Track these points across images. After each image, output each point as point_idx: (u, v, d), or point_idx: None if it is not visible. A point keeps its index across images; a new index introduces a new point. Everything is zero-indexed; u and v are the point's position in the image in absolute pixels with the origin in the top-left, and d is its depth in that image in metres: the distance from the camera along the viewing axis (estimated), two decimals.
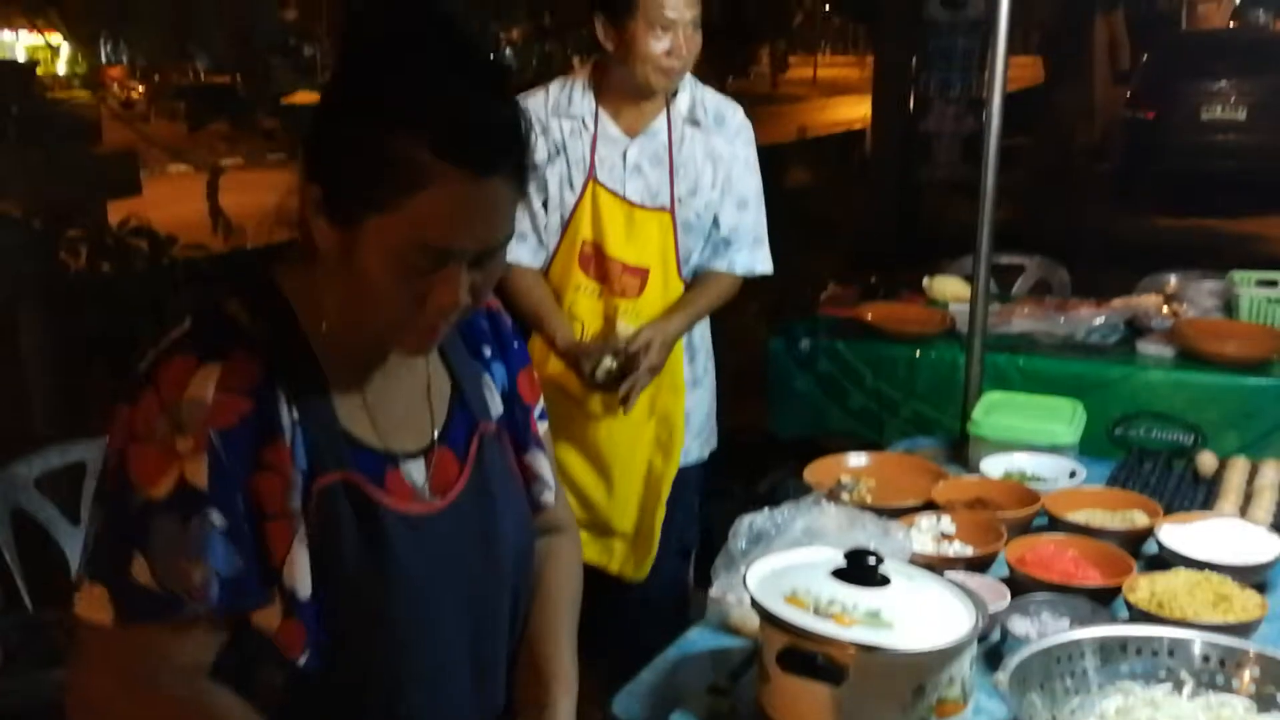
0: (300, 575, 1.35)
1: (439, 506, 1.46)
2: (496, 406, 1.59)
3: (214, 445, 1.30)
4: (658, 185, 2.86)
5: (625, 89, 2.81)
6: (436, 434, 1.50)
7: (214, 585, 1.31)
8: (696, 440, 3.08)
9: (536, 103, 2.82)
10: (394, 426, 1.46)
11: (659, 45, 2.71)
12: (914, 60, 10.34)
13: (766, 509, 2.04)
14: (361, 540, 1.38)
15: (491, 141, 1.28)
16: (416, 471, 1.46)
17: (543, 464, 1.67)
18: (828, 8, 17.46)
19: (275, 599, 1.35)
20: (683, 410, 2.99)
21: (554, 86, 2.89)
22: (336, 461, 1.38)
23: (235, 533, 1.32)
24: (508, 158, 1.30)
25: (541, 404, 1.70)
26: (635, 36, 2.71)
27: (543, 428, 1.69)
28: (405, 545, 1.40)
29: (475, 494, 1.50)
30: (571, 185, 2.84)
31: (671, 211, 2.86)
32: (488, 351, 1.61)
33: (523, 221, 2.82)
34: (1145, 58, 13.74)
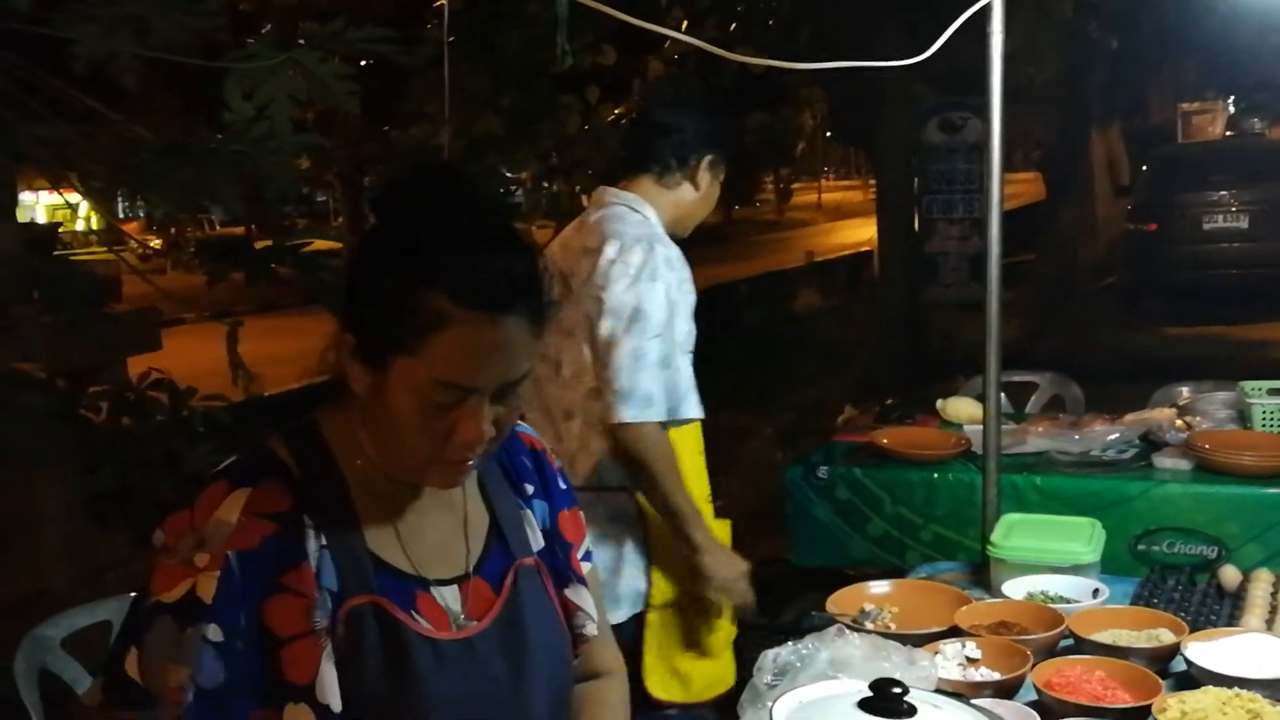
0: (331, 691, 1.42)
1: (468, 634, 1.51)
2: (537, 542, 1.65)
3: (230, 565, 1.40)
4: None
5: None
6: (471, 565, 1.56)
7: (189, 693, 1.39)
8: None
9: None
10: (427, 556, 1.53)
11: None
12: (915, 183, 10.54)
13: (790, 641, 2.03)
14: (386, 662, 1.44)
15: (504, 285, 1.39)
16: (451, 597, 1.52)
17: (585, 598, 1.70)
18: (828, 135, 17.83)
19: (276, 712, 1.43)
20: None
21: None
22: (365, 586, 1.45)
23: (228, 649, 1.40)
24: (522, 299, 1.40)
25: (586, 544, 1.75)
26: None
27: (586, 567, 1.74)
28: (430, 670, 1.46)
29: (506, 625, 1.55)
30: None
31: None
32: (530, 488, 1.68)
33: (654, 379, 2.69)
34: (1144, 170, 13.96)
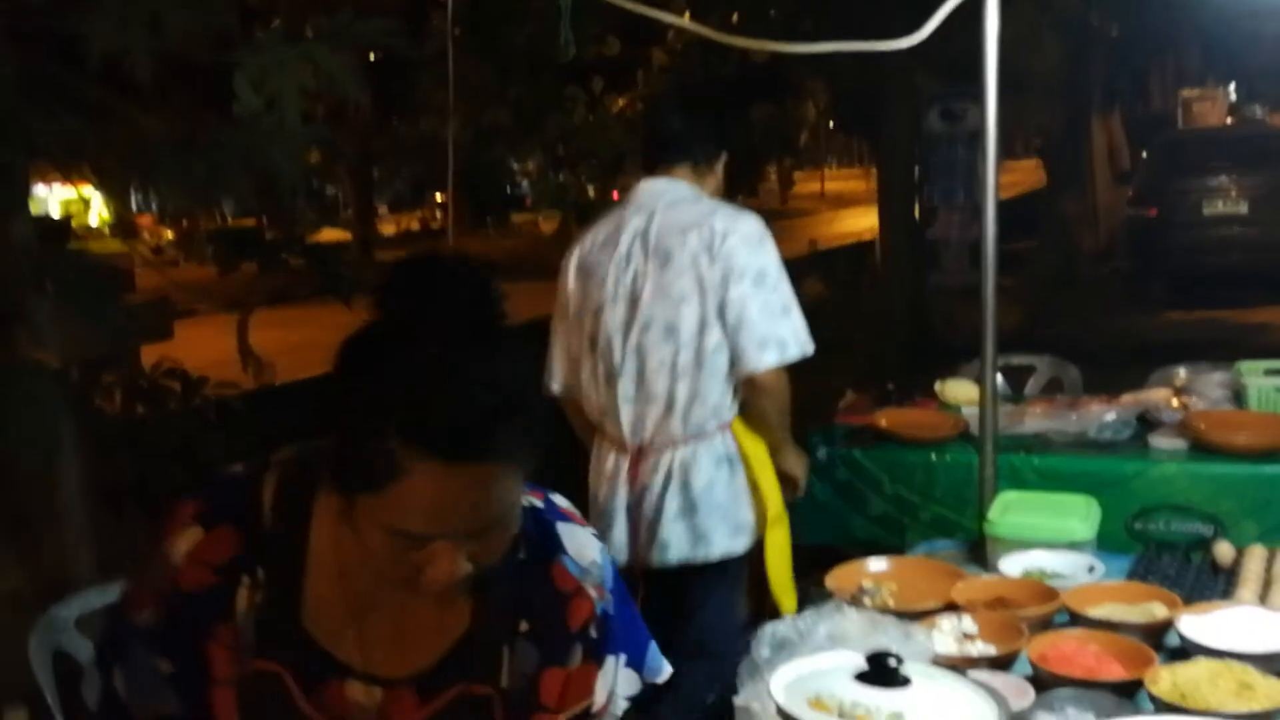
0: None
1: None
2: (506, 679, 1.50)
3: (171, 604, 1.40)
4: None
5: None
6: (409, 672, 1.47)
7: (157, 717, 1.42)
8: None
9: None
10: (366, 643, 1.46)
11: None
12: (917, 171, 10.56)
13: (788, 617, 2.08)
14: None
15: (471, 432, 1.26)
16: (369, 695, 1.45)
17: None
18: (831, 125, 17.85)
19: None
20: None
21: None
22: (276, 655, 1.42)
23: (181, 681, 1.41)
24: (493, 443, 1.27)
25: (580, 710, 1.56)
26: None
27: None
28: None
29: None
30: None
31: None
32: (524, 626, 1.51)
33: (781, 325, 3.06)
34: (1145, 157, 13.96)
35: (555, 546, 1.53)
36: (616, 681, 1.61)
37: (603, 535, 3.09)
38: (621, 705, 1.63)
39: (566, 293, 3.27)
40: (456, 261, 1.36)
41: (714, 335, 3.08)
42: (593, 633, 1.54)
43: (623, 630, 1.60)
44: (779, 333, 3.07)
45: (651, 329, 3.11)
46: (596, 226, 3.30)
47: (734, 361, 3.08)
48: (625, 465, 3.17)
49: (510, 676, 1.49)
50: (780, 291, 3.09)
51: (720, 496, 3.13)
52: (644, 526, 3.15)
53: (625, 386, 3.14)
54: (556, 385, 3.33)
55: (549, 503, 1.57)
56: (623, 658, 1.61)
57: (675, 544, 3.12)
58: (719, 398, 3.13)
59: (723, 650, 2.90)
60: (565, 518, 1.57)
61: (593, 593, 1.54)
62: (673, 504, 3.12)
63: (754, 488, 3.20)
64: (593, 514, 3.24)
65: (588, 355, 3.22)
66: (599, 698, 1.57)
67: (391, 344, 1.29)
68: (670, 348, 3.09)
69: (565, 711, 1.54)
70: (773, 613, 3.12)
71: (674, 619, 3.11)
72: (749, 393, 3.14)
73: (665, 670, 1.69)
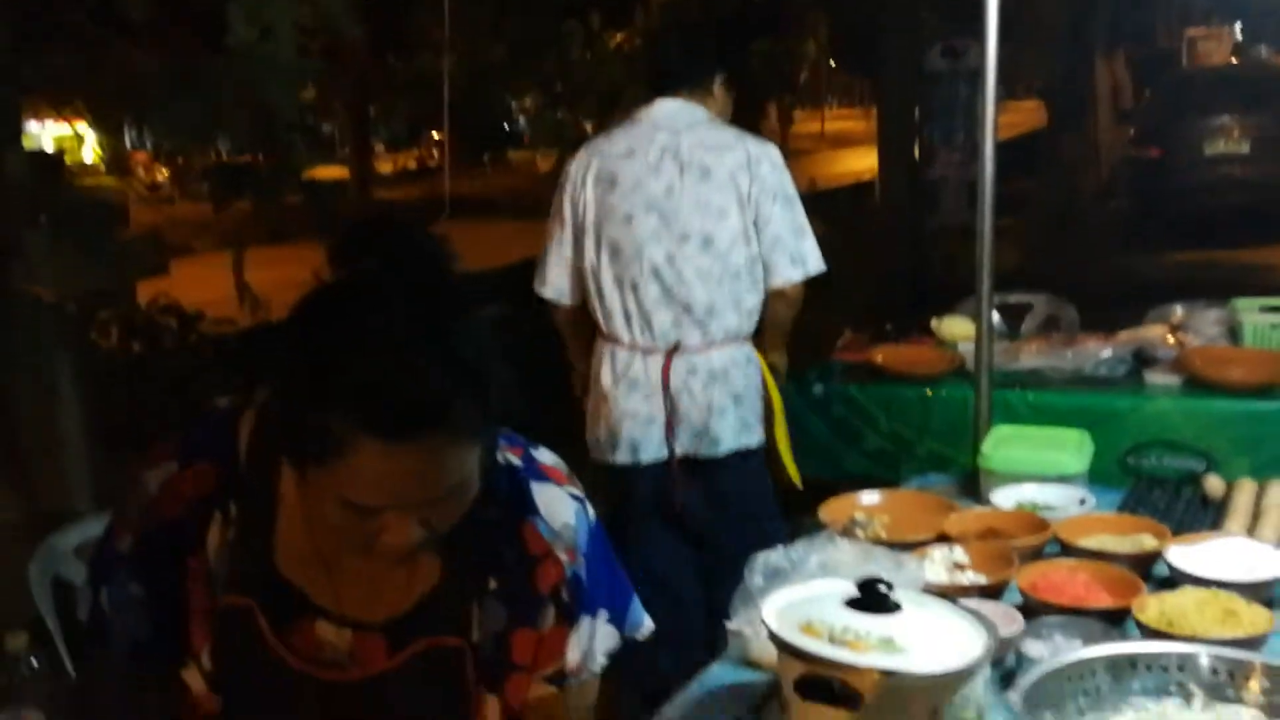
0: (207, 665, 1.47)
1: (336, 677, 1.47)
2: (476, 634, 1.50)
3: (146, 533, 1.44)
4: None
5: None
6: (380, 618, 1.47)
7: (129, 639, 1.47)
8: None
9: None
10: (336, 587, 1.46)
11: None
12: (917, 110, 10.48)
13: (781, 546, 2.10)
14: (247, 667, 1.45)
15: (412, 409, 1.23)
16: (339, 636, 1.47)
17: (493, 710, 1.54)
18: (833, 64, 17.72)
19: (187, 667, 1.47)
20: None
21: None
22: (249, 590, 1.44)
23: (155, 609, 1.45)
24: (437, 420, 1.24)
25: (554, 670, 1.58)
26: None
27: (545, 690, 1.58)
28: (280, 691, 1.45)
29: (379, 691, 1.47)
30: None
31: None
32: (492, 584, 1.51)
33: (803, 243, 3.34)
34: (1148, 96, 13.85)
35: (527, 507, 1.52)
36: (594, 640, 1.60)
37: (636, 435, 3.27)
38: (600, 662, 1.63)
39: (579, 200, 3.30)
40: (403, 229, 1.33)
41: (753, 248, 3.30)
42: (564, 595, 1.54)
43: (602, 587, 1.60)
44: (803, 250, 3.35)
45: (690, 240, 3.25)
46: (610, 138, 3.38)
47: (766, 274, 3.33)
48: (655, 368, 3.26)
49: (481, 632, 1.50)
50: (800, 214, 3.35)
51: (751, 393, 3.38)
52: (685, 424, 3.30)
53: (656, 293, 3.26)
54: (551, 291, 3.41)
55: (528, 459, 1.56)
56: (603, 615, 1.61)
57: (726, 437, 3.33)
58: (753, 305, 3.36)
59: (769, 515, 3.42)
60: (543, 476, 1.56)
61: (563, 556, 1.53)
62: (719, 401, 3.31)
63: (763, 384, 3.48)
64: (609, 416, 3.32)
65: (609, 263, 3.27)
66: (572, 658, 1.59)
67: (335, 318, 1.26)
68: (708, 258, 3.25)
69: (538, 671, 1.56)
70: (788, 484, 3.54)
71: (719, 500, 3.39)
72: (774, 302, 3.41)
73: (646, 625, 1.69)
